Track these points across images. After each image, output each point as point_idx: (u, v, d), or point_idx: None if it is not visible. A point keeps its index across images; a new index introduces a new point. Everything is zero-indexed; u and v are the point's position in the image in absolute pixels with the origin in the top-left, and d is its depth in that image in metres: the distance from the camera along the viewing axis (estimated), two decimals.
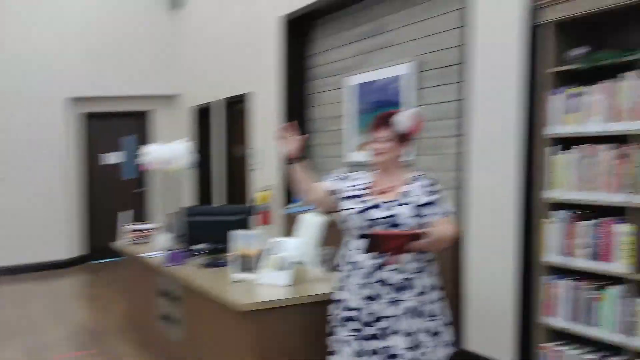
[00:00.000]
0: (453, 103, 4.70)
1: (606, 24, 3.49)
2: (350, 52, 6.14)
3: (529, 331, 3.76)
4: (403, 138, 3.03)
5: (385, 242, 2.83)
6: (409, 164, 3.14)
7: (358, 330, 2.97)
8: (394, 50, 5.49)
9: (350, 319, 2.99)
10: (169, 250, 4.49)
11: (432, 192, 3.01)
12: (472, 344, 4.40)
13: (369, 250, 2.83)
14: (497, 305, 4.16)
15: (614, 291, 3.23)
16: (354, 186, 3.09)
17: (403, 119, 3.01)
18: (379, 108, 5.56)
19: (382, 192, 3.01)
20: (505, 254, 4.09)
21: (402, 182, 3.04)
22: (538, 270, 3.62)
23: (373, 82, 5.73)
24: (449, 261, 4.46)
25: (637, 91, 3.10)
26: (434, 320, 3.00)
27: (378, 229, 2.92)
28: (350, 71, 6.08)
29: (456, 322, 4.47)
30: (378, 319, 2.94)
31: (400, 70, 5.32)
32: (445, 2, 4.87)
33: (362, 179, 3.12)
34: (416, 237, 2.79)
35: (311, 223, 3.84)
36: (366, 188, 3.06)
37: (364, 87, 5.86)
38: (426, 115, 5.02)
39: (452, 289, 4.48)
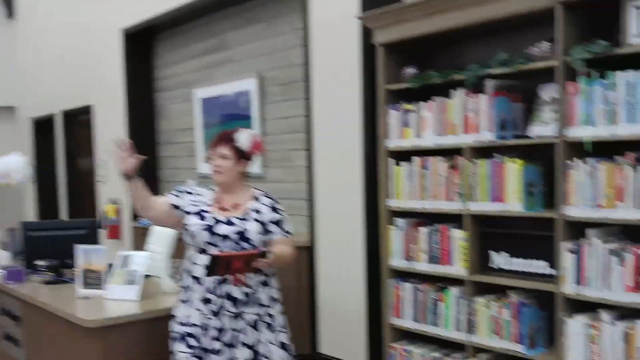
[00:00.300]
0: (299, 118, 4.73)
1: (435, 45, 3.65)
2: (195, 66, 6.01)
3: (379, 332, 3.86)
4: (244, 156, 2.99)
5: (228, 263, 2.78)
6: (251, 182, 3.11)
7: (200, 346, 2.88)
8: (239, 66, 5.44)
9: (191, 334, 2.89)
10: (6, 267, 4.16)
11: (276, 211, 3.02)
12: (326, 348, 4.46)
13: (211, 273, 2.77)
14: (348, 309, 4.24)
15: (453, 292, 3.39)
16: (197, 201, 2.99)
17: (243, 138, 2.98)
18: (227, 121, 5.49)
19: (226, 209, 2.96)
20: (354, 260, 4.17)
21: (246, 199, 3.00)
22: (385, 274, 3.73)
23: (221, 96, 5.64)
24: (303, 269, 4.49)
25: (464, 107, 3.27)
26: (278, 332, 3.00)
27: (226, 244, 2.86)
28: (197, 84, 5.95)
29: (311, 327, 4.51)
30: (221, 334, 2.88)
31: (247, 85, 5.28)
32: (285, 21, 4.89)
33: (205, 194, 3.03)
34: (258, 256, 2.79)
35: (162, 235, 3.69)
36: (210, 204, 2.99)
37: (212, 100, 5.75)
38: (274, 129, 5.04)
39: (305, 295, 4.51)
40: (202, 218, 2.92)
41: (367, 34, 3.83)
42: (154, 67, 6.65)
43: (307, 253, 4.48)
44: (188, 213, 2.95)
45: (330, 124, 4.31)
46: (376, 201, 3.82)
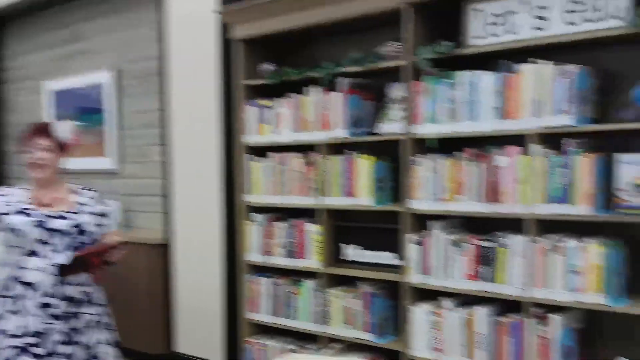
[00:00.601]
0: (156, 112, 4.55)
1: (292, 42, 3.63)
2: (48, 57, 5.62)
3: (236, 328, 3.79)
4: (62, 149, 2.82)
5: (87, 261, 2.63)
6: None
7: (42, 354, 2.68)
8: (94, 58, 5.15)
9: (32, 344, 2.65)
10: None
11: (102, 203, 2.89)
12: (183, 347, 4.32)
13: (68, 273, 2.60)
14: (206, 306, 4.12)
15: (308, 285, 3.39)
16: (12, 202, 2.73)
17: (64, 129, 2.80)
18: (81, 115, 5.20)
19: (48, 204, 2.75)
20: (212, 256, 4.07)
21: (68, 193, 2.83)
22: (242, 269, 3.67)
23: (75, 88, 5.32)
24: (158, 266, 4.33)
25: (319, 104, 3.27)
26: (111, 331, 2.89)
27: (61, 239, 2.68)
28: (49, 76, 5.58)
29: (167, 326, 4.36)
30: (63, 336, 2.70)
31: (102, 77, 5.01)
32: (142, 13, 4.68)
33: (17, 193, 2.79)
34: (112, 248, 2.68)
35: None
36: (28, 202, 2.75)
37: (65, 93, 5.41)
38: (131, 124, 4.82)
39: (160, 294, 4.34)
40: (28, 215, 2.68)
41: (225, 28, 3.75)
42: (3, 57, 6.16)
43: (162, 250, 4.33)
44: (5, 214, 2.70)
45: (187, 119, 4.18)
46: (234, 197, 3.75)
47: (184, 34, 4.17)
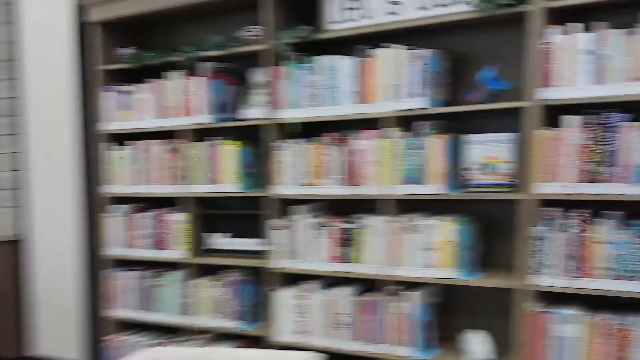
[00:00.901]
0: (7, 100, 4.35)
1: (152, 25, 3.60)
2: None
3: (95, 326, 3.72)
4: None
5: None
6: None
7: None
8: None
9: None
10: None
11: None
12: (42, 348, 4.18)
13: None
14: (64, 305, 4.00)
15: (173, 276, 3.39)
16: None
17: None
18: None
19: None
20: (69, 252, 3.96)
21: None
22: (102, 264, 3.60)
23: None
24: (9, 265, 4.15)
25: (180, 89, 3.28)
26: None
27: None
28: None
29: (19, 328, 4.19)
30: None
31: None
32: None
33: None
34: None
35: None
36: None
37: None
38: None
39: (13, 294, 4.17)
40: None
41: (80, 11, 3.66)
42: None
43: (14, 247, 4.16)
44: None
45: (43, 107, 4.04)
46: (91, 187, 3.68)
47: (36, 17, 4.02)
